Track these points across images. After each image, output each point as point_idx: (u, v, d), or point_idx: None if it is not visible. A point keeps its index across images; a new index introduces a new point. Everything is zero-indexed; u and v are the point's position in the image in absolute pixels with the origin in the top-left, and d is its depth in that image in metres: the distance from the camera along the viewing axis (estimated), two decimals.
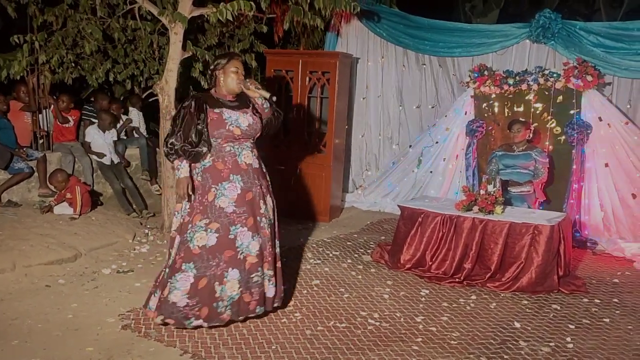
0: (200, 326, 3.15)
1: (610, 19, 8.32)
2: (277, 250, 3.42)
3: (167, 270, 3.22)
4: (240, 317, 3.22)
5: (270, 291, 3.30)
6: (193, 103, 3.20)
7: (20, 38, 5.35)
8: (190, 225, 3.16)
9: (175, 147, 3.16)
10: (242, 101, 3.35)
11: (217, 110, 3.23)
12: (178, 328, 3.18)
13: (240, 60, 3.38)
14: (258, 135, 3.39)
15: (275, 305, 3.40)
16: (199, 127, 3.16)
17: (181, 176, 3.20)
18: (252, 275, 3.19)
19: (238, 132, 3.23)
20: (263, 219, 3.28)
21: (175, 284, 3.10)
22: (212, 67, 3.33)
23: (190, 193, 3.19)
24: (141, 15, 5.61)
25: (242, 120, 3.26)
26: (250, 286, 3.19)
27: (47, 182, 5.41)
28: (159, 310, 3.13)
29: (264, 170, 3.44)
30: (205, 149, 3.18)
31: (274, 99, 3.38)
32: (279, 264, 3.42)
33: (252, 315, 3.25)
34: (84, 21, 5.51)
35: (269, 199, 3.38)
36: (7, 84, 5.63)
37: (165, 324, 3.17)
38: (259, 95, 3.32)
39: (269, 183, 3.44)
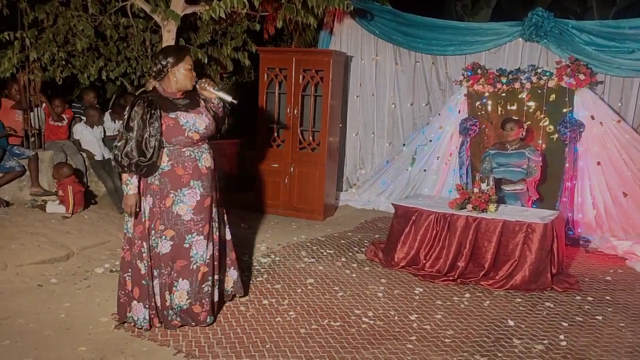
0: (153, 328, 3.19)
1: (603, 17, 8.37)
2: (227, 242, 3.46)
3: (152, 282, 3.13)
4: (193, 324, 3.21)
5: (216, 296, 3.30)
6: (144, 108, 2.98)
7: (11, 35, 5.30)
8: (153, 232, 3.10)
9: (132, 162, 2.96)
10: (192, 99, 3.19)
11: (172, 115, 3.05)
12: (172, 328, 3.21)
13: (192, 57, 3.25)
14: (212, 134, 3.28)
15: (235, 295, 3.55)
16: (152, 138, 2.98)
17: (130, 192, 3.05)
18: (203, 286, 3.15)
19: (197, 137, 3.11)
20: (214, 224, 3.26)
21: (156, 291, 3.15)
22: (163, 62, 3.06)
23: (138, 210, 3.09)
24: (133, 12, 5.57)
25: (199, 124, 3.12)
26: (201, 297, 3.16)
27: (48, 178, 5.40)
28: (166, 323, 3.17)
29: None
30: (157, 162, 3.04)
31: (235, 102, 3.24)
32: (230, 259, 3.48)
33: (203, 325, 3.22)
34: (75, 18, 5.46)
35: (217, 197, 3.33)
36: None
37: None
38: (216, 96, 3.23)
39: (217, 183, 3.35)
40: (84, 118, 6.08)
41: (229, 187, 7.54)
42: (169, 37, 5.04)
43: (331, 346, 3.09)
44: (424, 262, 4.45)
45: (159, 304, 3.15)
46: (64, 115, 5.96)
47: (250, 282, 4.06)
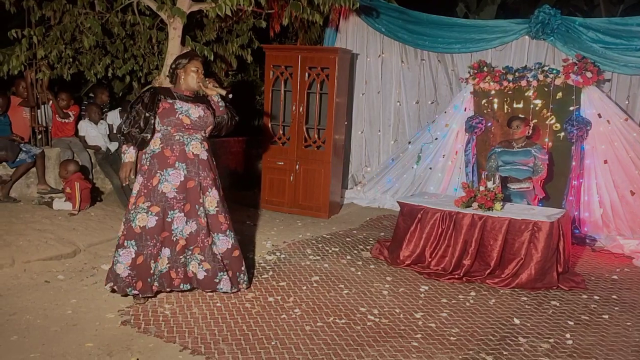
0: (137, 295, 3.45)
1: (610, 15, 8.32)
2: (232, 240, 3.64)
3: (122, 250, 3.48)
4: (167, 289, 3.51)
5: (200, 273, 3.51)
6: (148, 94, 3.48)
7: (18, 32, 5.32)
8: (134, 207, 3.43)
9: (124, 132, 3.44)
10: (198, 97, 3.62)
11: (170, 101, 3.48)
12: (123, 295, 3.49)
13: (200, 61, 3.61)
14: (210, 129, 3.62)
15: (238, 287, 3.69)
16: (147, 114, 3.41)
17: (126, 160, 3.52)
18: (180, 256, 3.49)
19: (187, 122, 3.47)
20: (201, 208, 3.51)
21: (119, 258, 3.41)
22: (173, 65, 3.58)
23: (132, 176, 3.52)
24: (140, 10, 5.58)
25: (192, 112, 3.49)
26: (177, 265, 3.49)
27: (55, 175, 5.44)
28: (108, 280, 3.46)
29: (213, 163, 3.65)
30: (149, 136, 3.45)
31: (230, 96, 3.54)
32: (236, 253, 3.66)
33: (177, 290, 3.53)
34: (82, 16, 5.48)
35: (213, 192, 3.58)
36: (6, 79, 5.60)
37: (114, 291, 3.46)
38: (216, 92, 3.55)
39: (217, 176, 3.66)
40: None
41: (235, 184, 7.57)
42: (175, 35, 5.04)
43: (336, 343, 3.10)
44: (430, 260, 4.44)
45: (132, 270, 3.40)
46: (70, 112, 5.99)
47: (256, 279, 4.07)
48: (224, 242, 3.61)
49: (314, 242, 5.17)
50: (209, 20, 5.92)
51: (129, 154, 3.51)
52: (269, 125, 6.41)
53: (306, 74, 6.13)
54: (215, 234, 3.59)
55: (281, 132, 6.39)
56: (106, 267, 4.15)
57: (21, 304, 3.40)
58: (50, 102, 5.89)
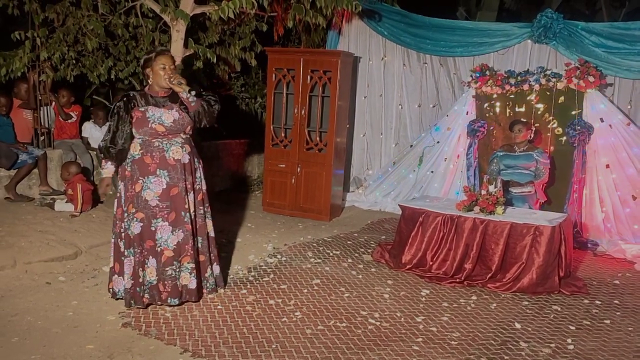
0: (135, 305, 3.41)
1: (612, 19, 8.31)
2: (198, 245, 3.57)
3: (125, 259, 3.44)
4: (158, 302, 3.43)
5: (192, 283, 3.45)
6: (122, 105, 3.39)
7: (22, 34, 5.34)
8: (126, 214, 3.40)
9: (102, 148, 3.44)
10: (172, 97, 3.47)
11: (142, 109, 3.38)
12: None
13: (168, 56, 3.45)
14: (189, 128, 3.49)
15: (217, 290, 3.72)
16: (126, 128, 3.37)
17: (103, 176, 3.55)
18: (166, 268, 3.38)
19: (162, 129, 3.37)
20: (187, 213, 3.43)
21: (124, 269, 3.39)
22: (141, 64, 3.48)
23: (110, 192, 3.46)
24: (143, 12, 5.60)
25: (165, 117, 3.38)
26: (164, 278, 3.39)
27: (57, 177, 5.46)
28: (113, 293, 3.49)
29: (194, 166, 3.54)
30: (126, 146, 3.39)
31: (193, 93, 3.38)
32: (201, 258, 3.60)
33: (165, 304, 3.43)
34: (85, 18, 5.50)
35: (191, 195, 3.48)
36: (8, 81, 5.62)
37: (118, 298, 3.48)
38: (181, 90, 3.38)
39: (197, 178, 3.56)
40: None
41: (236, 186, 7.58)
42: (178, 37, 5.06)
43: (337, 347, 3.09)
44: (431, 263, 4.44)
45: (130, 281, 3.38)
46: (71, 113, 6.00)
47: (257, 282, 4.07)
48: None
49: (315, 245, 5.17)
50: (212, 23, 5.94)
51: (107, 169, 3.49)
52: (271, 127, 6.42)
53: (308, 77, 6.14)
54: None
55: (283, 134, 6.39)
56: (107, 269, 4.16)
57: (22, 306, 3.41)
58: (53, 103, 5.90)
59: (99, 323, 3.23)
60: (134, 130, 3.38)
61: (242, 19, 6.07)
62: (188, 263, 3.44)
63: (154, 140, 3.37)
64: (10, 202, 5.19)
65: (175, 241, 3.39)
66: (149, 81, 3.47)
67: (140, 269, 3.37)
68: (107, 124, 3.49)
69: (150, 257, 3.38)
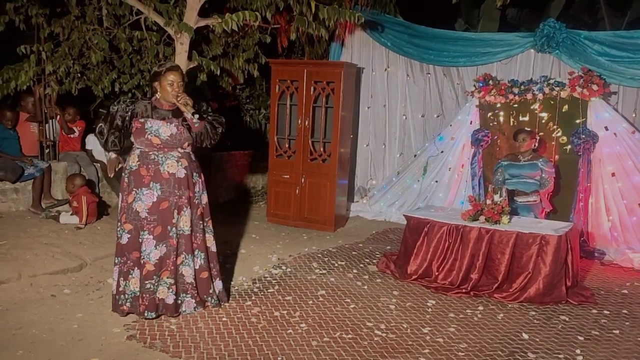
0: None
1: (614, 28, 8.31)
2: (201, 261, 3.58)
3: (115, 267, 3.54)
4: (137, 314, 3.45)
5: (169, 298, 3.44)
6: (127, 109, 3.44)
7: (28, 48, 5.39)
8: (119, 224, 3.47)
9: (102, 142, 3.51)
10: (176, 112, 3.48)
11: (141, 120, 3.43)
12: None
13: (178, 72, 3.45)
14: (187, 144, 3.49)
15: (220, 305, 3.70)
16: (125, 134, 3.46)
17: (112, 157, 3.70)
18: (146, 282, 3.41)
19: (157, 142, 3.40)
20: (173, 228, 3.43)
21: (115, 277, 3.49)
22: (150, 76, 3.56)
23: (117, 170, 3.55)
24: (147, 25, 5.64)
25: (163, 130, 3.40)
26: (143, 291, 3.42)
27: (62, 189, 5.50)
28: (115, 306, 3.51)
29: (195, 179, 3.54)
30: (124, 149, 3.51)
31: (197, 116, 3.38)
32: (204, 275, 3.60)
33: (142, 316, 3.43)
34: (90, 32, 5.55)
35: (188, 211, 3.47)
36: (14, 94, 5.66)
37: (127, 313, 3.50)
38: (186, 110, 3.38)
39: (196, 194, 3.54)
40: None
41: (241, 197, 7.58)
42: (182, 50, 5.09)
43: (343, 359, 3.07)
44: (437, 274, 4.41)
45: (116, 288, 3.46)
46: (74, 127, 6.04)
47: (262, 293, 4.05)
48: (191, 263, 3.51)
49: (320, 255, 5.15)
50: (216, 35, 5.98)
51: (112, 152, 3.64)
52: (275, 138, 6.43)
53: (312, 88, 6.16)
54: (185, 254, 3.49)
55: (287, 145, 6.40)
56: (112, 281, 4.16)
57: (27, 318, 3.40)
58: (58, 116, 5.94)
59: (104, 336, 3.22)
60: (132, 138, 3.46)
61: (245, 31, 6.11)
62: (167, 278, 3.43)
63: (150, 152, 3.42)
64: (33, 216, 5.29)
65: (157, 256, 3.40)
66: (157, 94, 3.50)
67: (122, 278, 3.44)
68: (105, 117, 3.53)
69: (135, 268, 3.43)
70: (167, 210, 3.40)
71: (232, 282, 4.25)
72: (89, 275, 4.29)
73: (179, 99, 3.36)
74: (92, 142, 6.01)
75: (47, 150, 5.90)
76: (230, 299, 3.88)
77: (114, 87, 6.13)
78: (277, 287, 4.21)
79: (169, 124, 3.42)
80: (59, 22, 5.48)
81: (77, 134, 6.08)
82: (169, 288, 3.44)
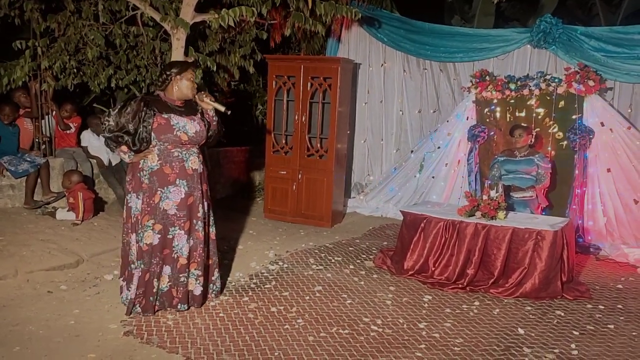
0: (139, 312, 3.45)
1: (609, 23, 8.31)
2: (208, 248, 3.63)
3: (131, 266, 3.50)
4: (168, 308, 3.50)
5: (197, 290, 3.55)
6: (142, 107, 3.31)
7: (23, 44, 5.37)
8: (140, 225, 3.40)
9: (110, 135, 3.33)
10: (189, 107, 3.50)
11: (165, 116, 3.37)
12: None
13: (195, 71, 3.57)
14: (203, 142, 3.56)
15: (213, 294, 3.74)
16: (145, 130, 3.30)
17: (133, 156, 3.39)
18: (180, 275, 3.47)
19: (185, 138, 3.41)
20: (199, 222, 3.51)
21: (132, 279, 3.43)
22: (167, 72, 3.40)
23: (148, 155, 3.35)
24: (143, 21, 5.63)
25: (189, 127, 3.42)
26: (178, 284, 3.48)
27: (58, 186, 5.48)
28: (147, 306, 3.45)
29: (206, 174, 3.64)
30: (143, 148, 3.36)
31: (229, 112, 3.47)
32: (211, 261, 3.68)
33: (175, 309, 3.50)
34: (86, 27, 5.53)
35: (205, 203, 3.58)
36: (9, 91, 5.64)
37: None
38: (212, 107, 3.48)
39: (208, 186, 3.64)
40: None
41: (238, 193, 7.58)
42: (178, 45, 5.08)
43: (340, 354, 3.08)
44: (433, 269, 4.43)
45: (139, 290, 3.40)
46: (70, 124, 6.02)
47: (259, 289, 4.06)
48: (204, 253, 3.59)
49: (316, 251, 5.16)
50: (212, 31, 5.97)
51: (129, 153, 3.36)
52: (272, 134, 6.43)
53: (309, 84, 6.16)
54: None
55: (284, 141, 6.40)
56: (109, 277, 4.16)
57: (24, 315, 3.40)
58: (54, 112, 5.92)
59: (100, 332, 3.22)
60: (154, 136, 3.35)
61: (242, 27, 6.10)
62: (195, 269, 3.53)
63: (174, 150, 3.39)
64: (30, 212, 5.26)
65: (188, 249, 3.47)
66: (172, 89, 3.40)
67: (156, 279, 3.42)
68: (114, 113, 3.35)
69: (165, 265, 3.43)
70: (193, 205, 3.46)
71: (229, 278, 4.26)
72: (85, 271, 4.28)
73: (202, 97, 3.43)
74: (87, 139, 5.99)
75: (43, 147, 5.88)
76: (228, 294, 3.90)
77: (110, 83, 6.12)
78: (274, 282, 4.22)
79: (192, 120, 3.43)
80: (55, 17, 5.46)
81: (73, 130, 6.06)
82: (196, 279, 3.52)
